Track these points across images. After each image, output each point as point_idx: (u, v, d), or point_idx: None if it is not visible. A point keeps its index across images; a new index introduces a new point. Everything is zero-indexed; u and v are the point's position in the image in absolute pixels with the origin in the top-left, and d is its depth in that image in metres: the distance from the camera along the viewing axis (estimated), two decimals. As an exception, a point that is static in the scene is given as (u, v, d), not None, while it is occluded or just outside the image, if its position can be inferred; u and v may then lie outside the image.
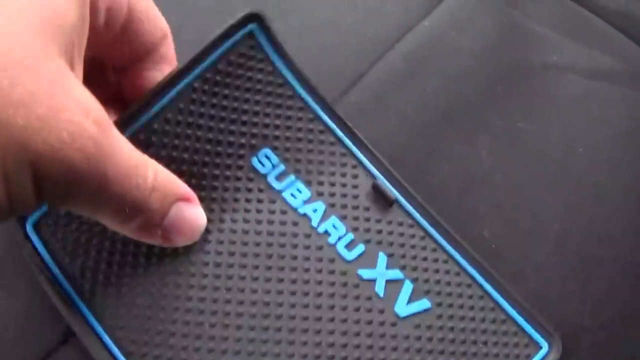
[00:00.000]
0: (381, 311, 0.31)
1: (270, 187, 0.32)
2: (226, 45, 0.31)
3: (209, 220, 0.30)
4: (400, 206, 0.33)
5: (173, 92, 0.30)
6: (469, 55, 0.38)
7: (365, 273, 0.31)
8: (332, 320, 0.30)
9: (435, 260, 0.32)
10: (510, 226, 0.34)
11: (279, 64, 0.32)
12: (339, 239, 0.32)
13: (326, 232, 0.32)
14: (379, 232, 0.32)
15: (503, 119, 0.37)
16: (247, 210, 0.31)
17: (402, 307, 0.31)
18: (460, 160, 0.35)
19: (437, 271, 0.32)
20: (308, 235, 0.31)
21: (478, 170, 0.35)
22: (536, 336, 0.31)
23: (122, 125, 0.28)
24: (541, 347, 0.31)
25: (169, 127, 0.30)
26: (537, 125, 0.37)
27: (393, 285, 0.31)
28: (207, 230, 0.30)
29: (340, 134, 0.33)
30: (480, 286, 0.32)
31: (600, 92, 0.38)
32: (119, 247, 0.29)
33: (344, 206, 0.32)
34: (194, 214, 0.28)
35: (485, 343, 0.31)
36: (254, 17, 0.31)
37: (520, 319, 0.32)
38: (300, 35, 0.38)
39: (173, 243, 0.28)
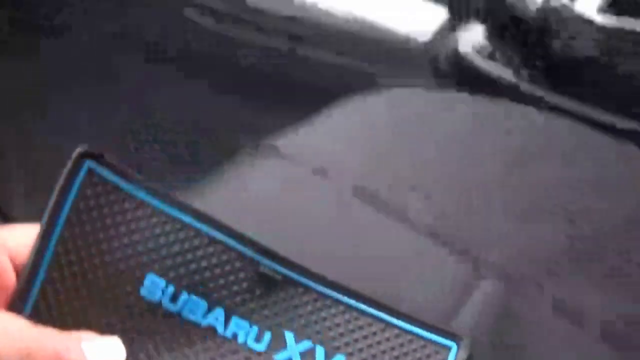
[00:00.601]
0: None
1: (168, 312, 0.32)
2: (72, 195, 0.31)
3: None
4: (285, 279, 0.34)
5: (45, 263, 0.30)
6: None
7: (280, 356, 0.33)
8: None
9: (334, 316, 0.34)
10: None
11: (129, 188, 0.32)
12: (247, 335, 0.33)
13: (234, 335, 0.32)
14: (277, 313, 0.33)
15: None
16: (155, 345, 0.32)
17: None
18: None
19: (338, 325, 0.34)
20: (219, 346, 0.32)
21: None
22: (443, 341, 0.34)
23: (17, 308, 0.30)
24: (450, 348, 0.34)
25: (57, 289, 0.30)
26: None
27: (307, 355, 0.33)
28: None
29: (211, 232, 0.33)
30: (380, 320, 0.34)
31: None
32: None
33: (239, 302, 0.33)
34: (107, 343, 0.30)
35: None
36: (86, 155, 0.31)
37: (423, 333, 0.34)
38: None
39: None
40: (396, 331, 0.33)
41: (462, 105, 0.52)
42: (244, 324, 0.33)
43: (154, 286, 0.32)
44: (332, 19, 0.63)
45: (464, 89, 0.60)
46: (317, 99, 0.54)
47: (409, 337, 0.34)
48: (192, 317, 0.32)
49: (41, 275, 0.30)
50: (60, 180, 0.31)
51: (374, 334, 0.34)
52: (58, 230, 0.31)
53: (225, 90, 0.77)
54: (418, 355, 0.33)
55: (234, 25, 0.67)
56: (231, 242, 0.33)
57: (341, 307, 0.34)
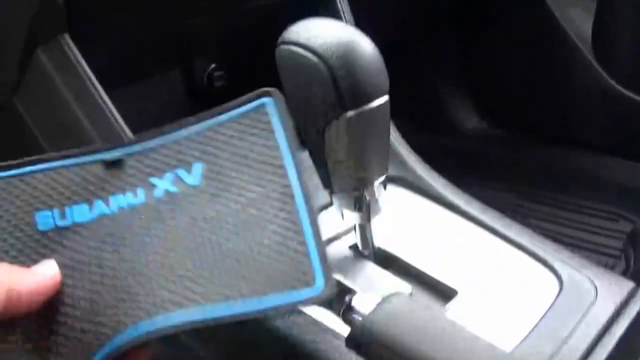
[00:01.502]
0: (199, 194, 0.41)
1: (64, 227, 0.40)
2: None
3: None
4: (129, 156, 0.43)
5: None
6: None
7: (157, 193, 0.41)
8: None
9: (169, 149, 0.42)
10: None
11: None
12: (126, 199, 0.41)
13: (119, 207, 0.40)
14: (136, 175, 0.42)
15: None
16: (73, 253, 0.38)
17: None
18: None
19: (180, 152, 0.42)
20: (114, 219, 0.40)
21: None
22: (255, 104, 0.41)
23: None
24: (264, 104, 0.40)
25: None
26: None
27: (176, 179, 0.41)
28: None
29: (58, 163, 0.42)
30: (201, 128, 0.42)
31: None
32: None
33: (107, 188, 0.41)
34: (43, 266, 0.38)
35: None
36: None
37: (237, 111, 0.41)
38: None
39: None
40: (218, 126, 0.41)
41: None
42: (119, 195, 0.41)
43: (44, 218, 0.40)
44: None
45: None
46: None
47: (229, 123, 0.40)
48: (82, 219, 0.40)
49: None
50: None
51: (211, 139, 0.41)
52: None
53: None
54: (246, 124, 0.40)
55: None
56: (77, 160, 0.42)
57: (174, 145, 0.42)
